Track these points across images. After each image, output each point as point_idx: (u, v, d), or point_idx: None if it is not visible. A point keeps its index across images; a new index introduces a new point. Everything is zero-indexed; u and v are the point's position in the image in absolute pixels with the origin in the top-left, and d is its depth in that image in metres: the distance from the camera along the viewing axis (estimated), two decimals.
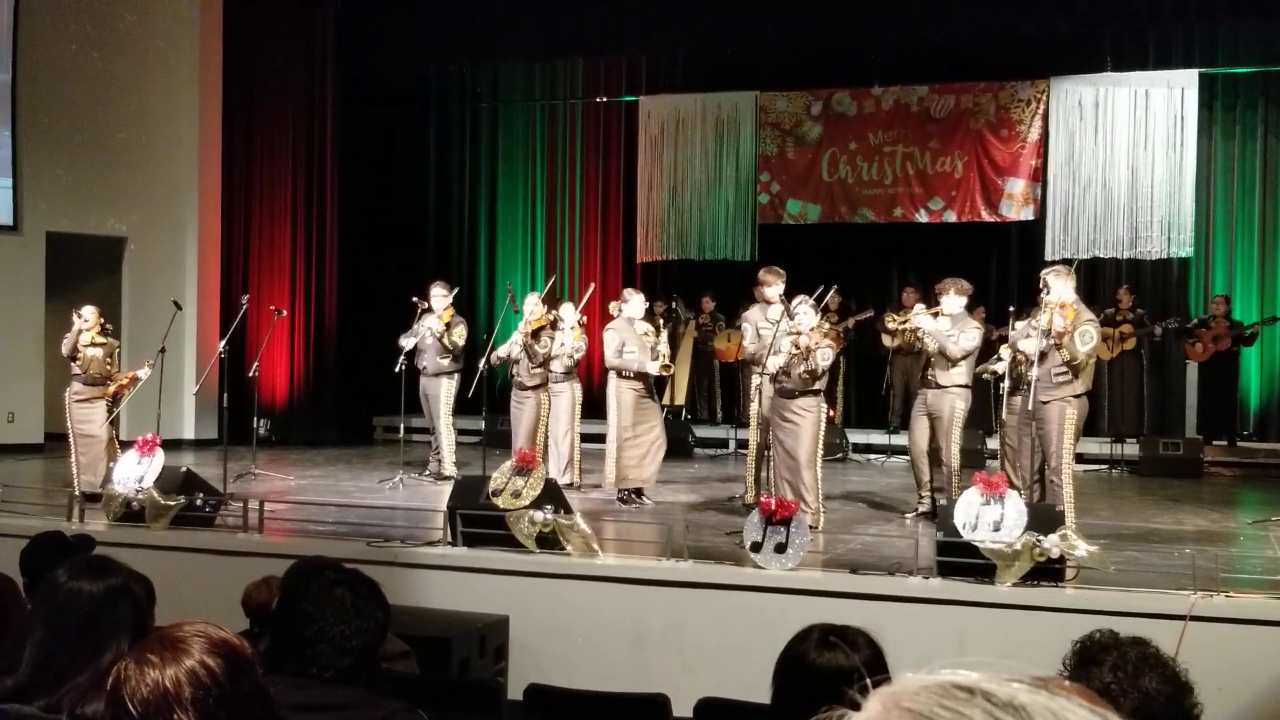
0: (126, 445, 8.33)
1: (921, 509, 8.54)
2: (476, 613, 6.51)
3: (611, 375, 9.26)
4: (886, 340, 12.53)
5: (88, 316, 9.26)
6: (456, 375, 10.47)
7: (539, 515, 6.82)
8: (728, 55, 14.32)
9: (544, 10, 13.98)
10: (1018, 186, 13.47)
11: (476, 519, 7.01)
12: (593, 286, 12.01)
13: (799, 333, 8.01)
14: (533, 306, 9.95)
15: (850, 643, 2.49)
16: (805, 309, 8.20)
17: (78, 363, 9.19)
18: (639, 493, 9.19)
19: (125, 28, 13.08)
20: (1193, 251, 13.08)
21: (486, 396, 9.56)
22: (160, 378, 9.44)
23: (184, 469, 7.98)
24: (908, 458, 9.35)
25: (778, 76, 14.27)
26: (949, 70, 13.69)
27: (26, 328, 12.47)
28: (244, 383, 10.94)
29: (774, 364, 7.99)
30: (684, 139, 14.57)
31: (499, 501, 6.96)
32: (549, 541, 6.84)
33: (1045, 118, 13.35)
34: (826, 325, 8.90)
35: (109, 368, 9.27)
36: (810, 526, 7.06)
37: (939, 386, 8.40)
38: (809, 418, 8.06)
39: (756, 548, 6.49)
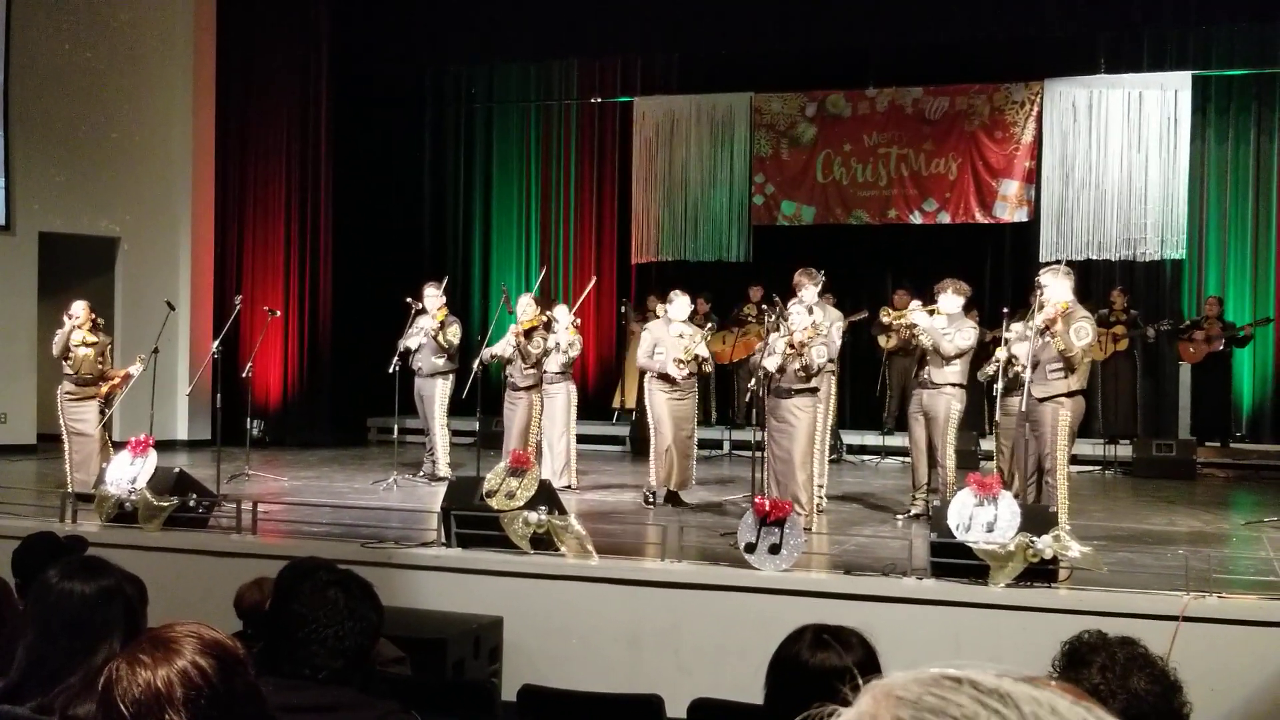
0: (120, 446, 8.32)
1: (915, 510, 8.55)
2: (471, 614, 6.51)
3: (646, 378, 9.25)
4: (881, 341, 12.53)
5: (77, 313, 9.23)
6: (451, 376, 10.47)
7: (533, 516, 6.82)
8: (722, 56, 14.33)
9: (539, 11, 13.98)
10: (1012, 188, 13.49)
11: (471, 520, 7.00)
12: (594, 280, 12.02)
13: (792, 333, 8.02)
14: (525, 306, 9.95)
15: (843, 643, 2.49)
16: (798, 311, 8.21)
17: (69, 362, 9.17)
18: (676, 497, 9.11)
19: (118, 27, 13.06)
20: (1186, 253, 13.12)
21: (481, 397, 9.56)
22: (153, 378, 9.42)
23: (177, 470, 7.97)
24: (902, 459, 9.39)
25: (772, 78, 14.29)
26: (943, 72, 13.72)
27: (19, 328, 12.45)
28: (237, 383, 10.92)
29: (772, 364, 8.00)
30: (678, 140, 14.58)
31: (493, 503, 6.95)
32: (543, 543, 6.84)
33: (1039, 119, 13.38)
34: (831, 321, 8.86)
35: (101, 366, 9.25)
36: (805, 528, 7.06)
37: (934, 386, 8.41)
38: (804, 418, 8.07)
39: (751, 549, 6.49)
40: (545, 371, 9.88)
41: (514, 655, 6.54)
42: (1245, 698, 5.62)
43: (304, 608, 2.71)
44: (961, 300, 8.61)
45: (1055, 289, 7.56)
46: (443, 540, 7.09)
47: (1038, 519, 6.39)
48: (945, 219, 13.71)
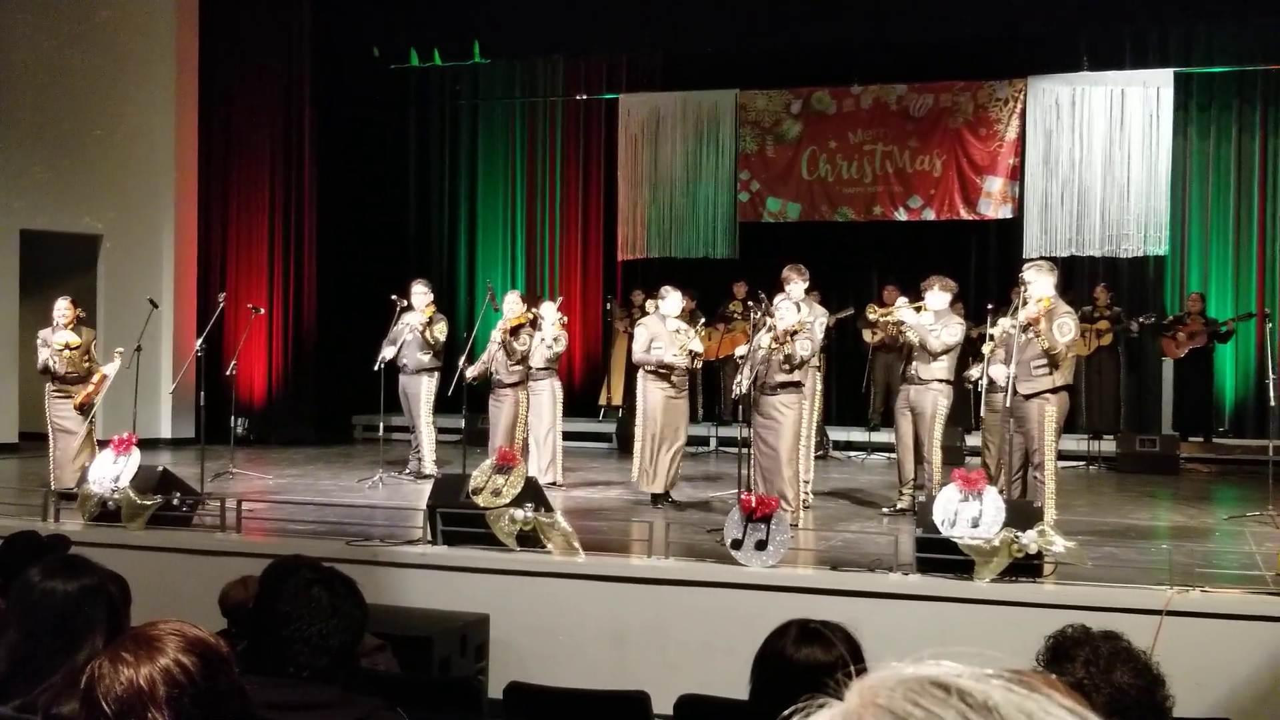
0: (103, 444, 8.28)
1: (900, 505, 8.56)
2: (457, 611, 6.50)
3: (640, 374, 9.19)
4: (867, 337, 12.58)
5: (63, 311, 9.19)
6: (436, 373, 10.44)
7: (519, 513, 6.81)
8: (707, 53, 14.33)
9: (525, 8, 13.96)
10: (996, 185, 13.53)
11: (457, 517, 6.99)
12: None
13: (776, 326, 8.03)
14: (512, 304, 9.91)
15: (828, 638, 2.49)
16: (786, 306, 8.22)
17: (55, 364, 9.11)
18: (666, 496, 9.04)
19: (101, 24, 12.99)
20: (1168, 249, 13.17)
21: (467, 394, 9.55)
22: (136, 376, 9.38)
23: (160, 468, 7.94)
24: (888, 455, 9.40)
25: (757, 75, 14.29)
26: (928, 69, 13.74)
27: (0, 326, 12.38)
28: (221, 381, 10.88)
29: (742, 384, 8.05)
30: (664, 137, 14.58)
31: (479, 500, 6.94)
32: (529, 540, 6.83)
33: (1023, 116, 13.42)
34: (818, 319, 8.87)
35: (87, 364, 9.20)
36: (791, 524, 7.07)
37: (920, 382, 8.43)
38: (790, 414, 8.08)
39: (737, 545, 6.50)
40: (531, 368, 9.85)
41: (500, 652, 6.53)
42: (1228, 691, 5.64)
43: (288, 606, 2.70)
44: (948, 297, 8.64)
45: (1038, 285, 7.60)
46: (428, 538, 7.08)
47: (1022, 514, 6.41)
48: (930, 215, 13.74)
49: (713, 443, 13.08)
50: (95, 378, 9.19)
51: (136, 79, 13.22)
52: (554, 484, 9.64)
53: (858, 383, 12.85)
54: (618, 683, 5.43)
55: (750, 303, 9.23)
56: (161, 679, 1.79)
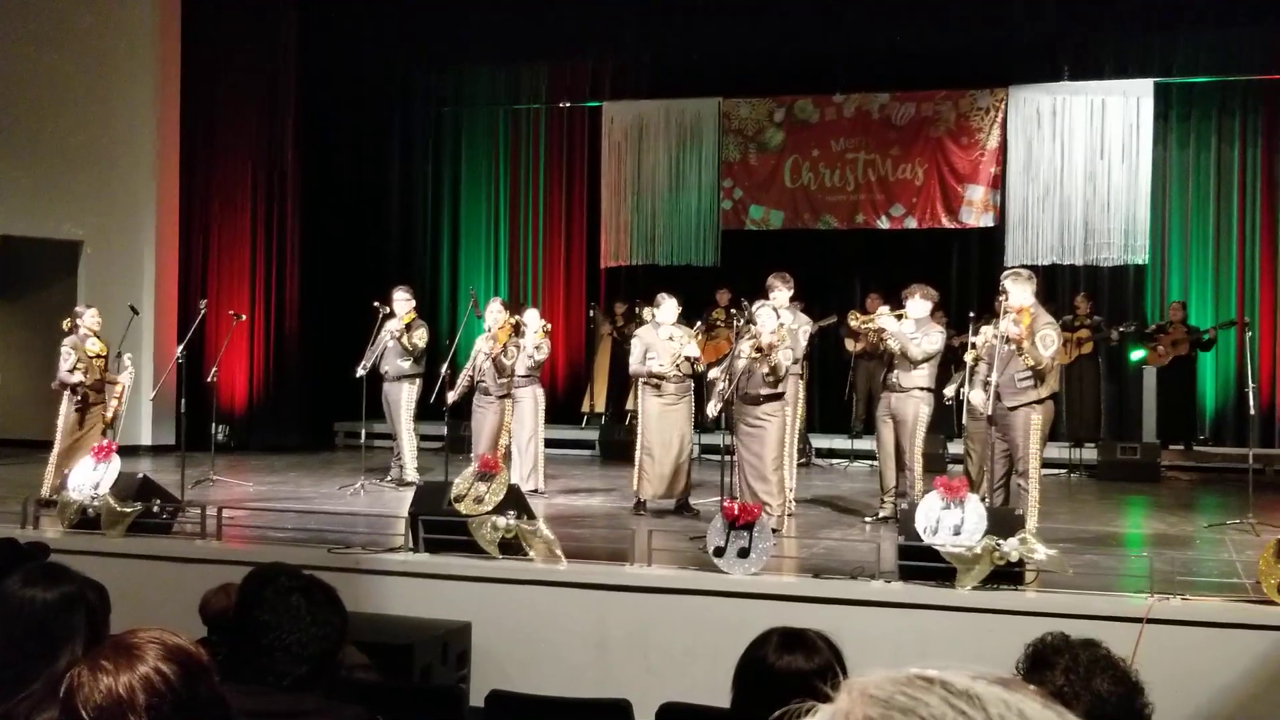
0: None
1: (883, 513, 8.58)
2: (438, 619, 6.48)
3: (637, 384, 9.20)
4: (849, 345, 12.59)
5: (94, 319, 9.19)
6: (418, 380, 10.43)
7: (501, 521, 6.80)
8: (691, 61, 14.37)
9: (508, 16, 13.97)
10: (977, 193, 13.60)
11: (438, 525, 6.98)
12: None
13: (758, 336, 8.05)
14: (495, 314, 9.83)
15: (809, 646, 2.50)
16: (766, 313, 8.24)
17: (84, 375, 9.06)
18: (685, 506, 8.93)
19: (83, 29, 12.94)
20: (1149, 258, 13.24)
21: (448, 403, 9.52)
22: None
23: (141, 475, 7.91)
24: (871, 462, 9.42)
25: (741, 83, 14.33)
26: (910, 78, 13.81)
27: None
28: (202, 388, 10.83)
29: (713, 408, 8.07)
30: (647, 144, 14.60)
31: (461, 507, 6.93)
32: (512, 547, 6.82)
33: (1004, 126, 13.49)
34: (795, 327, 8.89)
35: (104, 373, 9.22)
36: (773, 530, 7.08)
37: (901, 390, 8.45)
38: (774, 422, 8.11)
39: (720, 552, 6.50)
40: (515, 376, 9.84)
41: (482, 660, 6.51)
42: (1208, 699, 5.67)
43: (267, 614, 2.70)
44: (929, 305, 8.67)
45: (1017, 294, 7.62)
46: (410, 546, 7.06)
47: (1004, 522, 6.43)
48: (912, 224, 13.80)
49: (696, 450, 13.04)
50: (117, 389, 9.19)
51: (118, 85, 13.17)
52: (536, 491, 9.63)
53: (840, 390, 12.88)
54: (600, 690, 5.42)
55: (733, 310, 9.22)
56: (141, 687, 1.78)
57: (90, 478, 7.63)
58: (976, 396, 7.80)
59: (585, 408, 14.35)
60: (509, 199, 15.32)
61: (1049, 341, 7.51)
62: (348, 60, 14.23)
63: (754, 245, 14.02)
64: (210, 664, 1.92)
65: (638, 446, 8.96)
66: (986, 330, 8.44)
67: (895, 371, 8.50)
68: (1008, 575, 6.19)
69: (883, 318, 8.62)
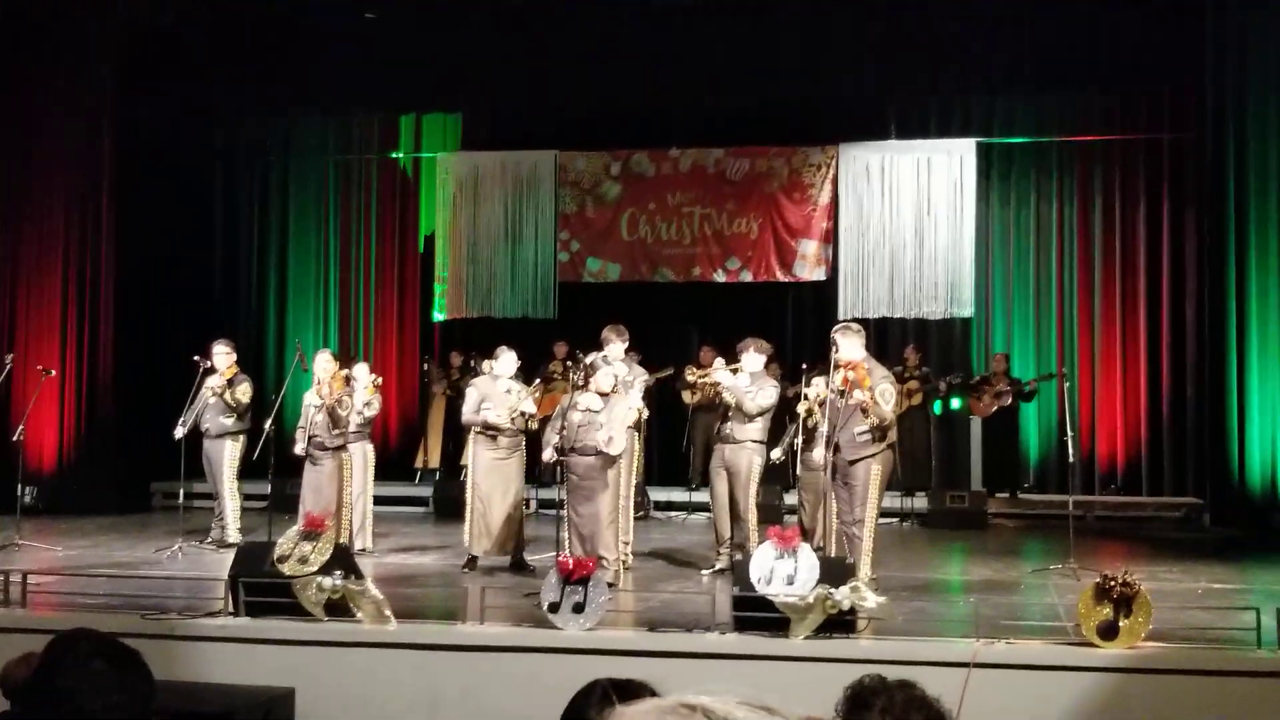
0: None
1: (719, 565, 8.67)
2: (260, 685, 6.27)
3: (470, 435, 9.09)
4: (686, 397, 12.73)
5: None
6: (241, 437, 10.15)
7: (328, 581, 6.65)
8: (526, 114, 14.47)
9: (339, 65, 13.83)
10: (810, 248, 13.96)
11: (260, 587, 6.78)
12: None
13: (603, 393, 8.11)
14: (324, 364, 9.62)
15: (632, 697, 2.50)
16: (604, 372, 8.30)
17: None
18: (520, 563, 8.82)
19: None
20: (973, 311, 13.75)
21: (275, 458, 9.29)
22: None
23: None
24: (708, 514, 9.51)
25: (577, 136, 14.46)
26: (744, 134, 14.15)
27: None
28: (7, 447, 10.34)
29: (547, 454, 8.10)
30: (484, 196, 14.59)
31: (285, 568, 6.75)
32: (338, 609, 6.67)
33: (835, 182, 13.91)
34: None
35: None
36: (609, 584, 7.08)
37: (735, 441, 8.59)
38: (609, 475, 8.15)
39: (555, 608, 6.47)
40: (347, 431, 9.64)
41: None
42: None
43: (68, 681, 2.59)
44: (763, 359, 8.84)
45: (846, 347, 7.86)
46: (230, 609, 6.83)
47: (836, 571, 6.57)
48: (747, 277, 14.08)
49: (533, 504, 12.98)
50: None
51: None
52: (364, 550, 9.44)
53: (678, 442, 13.00)
54: None
55: (570, 362, 9.25)
56: None
57: None
58: (817, 455, 7.95)
59: (419, 463, 14.16)
60: (339, 251, 15.11)
61: (888, 396, 7.76)
62: (169, 110, 13.84)
63: (591, 297, 14.11)
64: None
65: (468, 500, 8.88)
66: (819, 382, 8.65)
67: (729, 423, 8.64)
68: (840, 624, 6.32)
69: (718, 372, 8.77)
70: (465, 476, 9.03)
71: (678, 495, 12.89)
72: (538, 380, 9.84)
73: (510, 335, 13.50)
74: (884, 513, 11.83)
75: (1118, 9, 12.72)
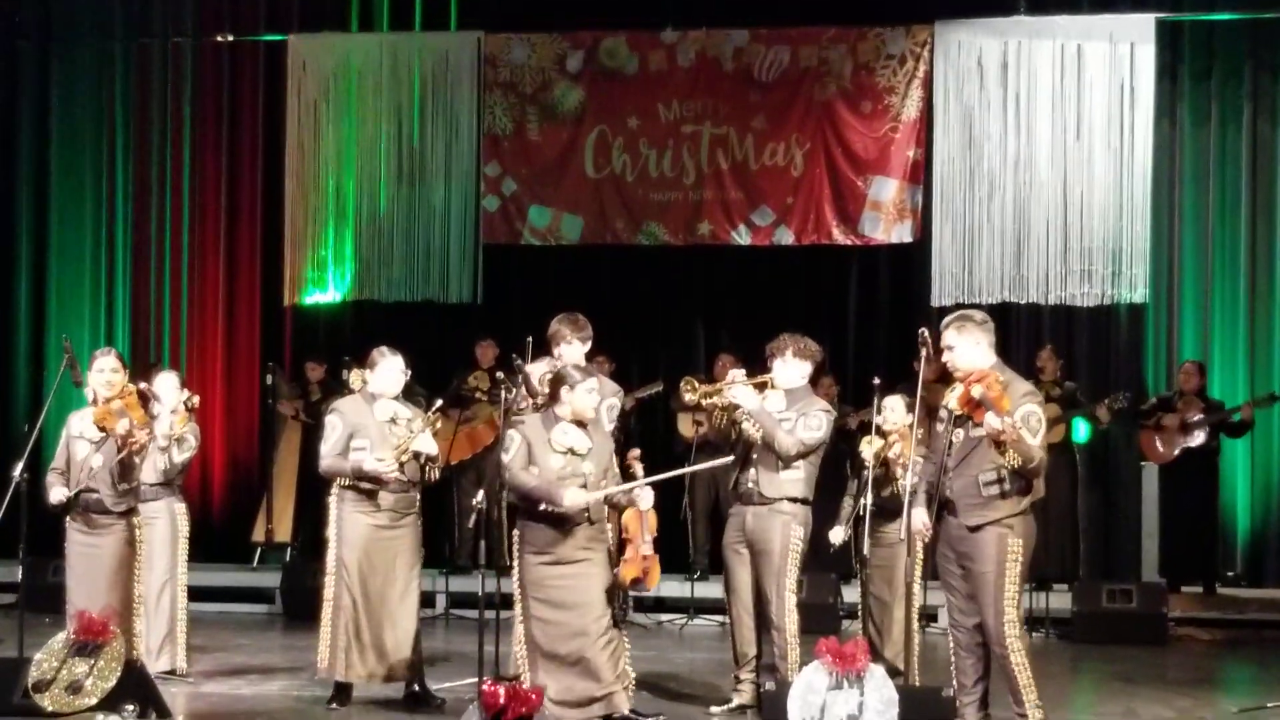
0: None
1: (739, 699, 8.74)
2: None
3: (333, 490, 8.97)
4: (685, 428, 12.70)
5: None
6: None
7: None
8: None
9: None
10: (888, 191, 13.96)
11: None
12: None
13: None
14: (110, 375, 9.60)
15: None
16: (584, 389, 8.30)
17: None
18: (420, 695, 8.91)
19: None
20: (1149, 294, 13.74)
21: (26, 529, 9.33)
22: None
23: None
24: (720, 619, 9.58)
25: (514, 9, 14.50)
26: (780, 7, 14.19)
27: None
28: None
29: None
30: (360, 104, 14.61)
31: (46, 701, 6.86)
32: None
33: (928, 85, 13.92)
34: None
35: None
36: None
37: (763, 501, 8.60)
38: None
39: None
40: (141, 484, 9.70)
41: None
42: None
43: None
44: (808, 368, 8.81)
45: (966, 349, 7.46)
46: None
47: (929, 707, 6.65)
48: (787, 239, 14.09)
49: (441, 603, 13.03)
50: None
51: None
52: (173, 672, 9.53)
53: (672, 503, 13.03)
54: None
55: (501, 375, 9.26)
56: None
57: None
58: (918, 517, 7.61)
59: (259, 535, 14.21)
60: (134, 190, 15.13)
61: (1035, 423, 7.27)
62: None
63: (535, 271, 14.18)
64: None
65: (332, 595, 8.89)
66: (899, 407, 8.74)
67: (753, 472, 8.67)
68: None
69: (735, 387, 8.75)
70: (330, 556, 9.05)
71: (673, 588, 12.90)
72: (439, 403, 9.85)
73: (403, 330, 13.60)
74: None
75: None
